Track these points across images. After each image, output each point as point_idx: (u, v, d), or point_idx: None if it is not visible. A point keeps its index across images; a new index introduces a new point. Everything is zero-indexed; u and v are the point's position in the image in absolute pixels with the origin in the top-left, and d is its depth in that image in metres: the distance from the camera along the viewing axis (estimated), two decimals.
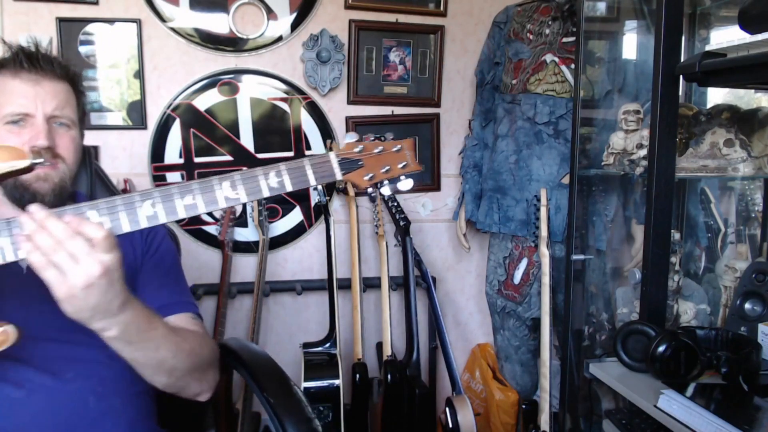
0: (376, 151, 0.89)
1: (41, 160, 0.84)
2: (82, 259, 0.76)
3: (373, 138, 0.91)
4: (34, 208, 0.78)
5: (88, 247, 0.76)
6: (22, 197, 1.00)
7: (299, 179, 0.86)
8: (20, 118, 0.99)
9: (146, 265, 1.12)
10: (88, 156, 1.32)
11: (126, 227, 0.81)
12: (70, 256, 0.76)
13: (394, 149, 0.90)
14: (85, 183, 1.31)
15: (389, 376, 1.99)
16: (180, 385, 1.02)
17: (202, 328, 1.12)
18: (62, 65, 1.05)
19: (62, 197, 1.03)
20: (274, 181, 0.84)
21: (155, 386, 1.00)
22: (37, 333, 0.95)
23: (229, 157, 2.20)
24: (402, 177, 0.92)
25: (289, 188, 0.85)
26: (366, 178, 0.90)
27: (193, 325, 1.09)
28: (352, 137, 0.91)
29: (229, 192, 0.83)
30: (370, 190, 0.91)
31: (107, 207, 0.81)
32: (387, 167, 0.90)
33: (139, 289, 1.08)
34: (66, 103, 1.04)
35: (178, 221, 2.19)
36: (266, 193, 0.84)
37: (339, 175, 0.88)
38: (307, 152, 2.25)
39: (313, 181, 0.86)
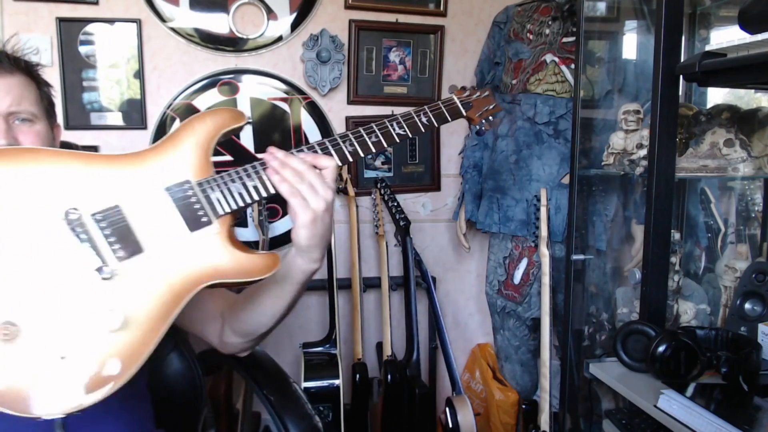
0: (475, 96, 1.13)
1: (250, 119, 1.01)
2: (319, 187, 0.93)
3: (468, 87, 1.16)
4: (274, 149, 0.94)
5: (321, 177, 0.93)
6: None
7: (440, 117, 1.08)
8: None
9: None
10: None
11: (338, 162, 0.99)
12: (310, 186, 0.92)
13: (485, 95, 1.15)
14: None
15: (389, 376, 1.99)
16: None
17: (229, 293, 1.18)
18: (11, 58, 1.01)
19: None
20: (424, 119, 1.06)
21: (257, 333, 1.11)
22: None
23: (229, 157, 2.20)
24: (490, 117, 1.17)
25: (435, 125, 1.08)
26: (477, 115, 1.13)
27: (225, 292, 1.17)
28: (454, 88, 1.15)
29: (399, 130, 1.04)
30: (475, 127, 1.16)
31: (319, 147, 1.00)
32: (486, 107, 1.14)
33: None
34: (22, 97, 1.00)
35: None
36: (422, 129, 1.06)
37: (464, 112, 1.12)
38: None
39: (449, 118, 1.10)
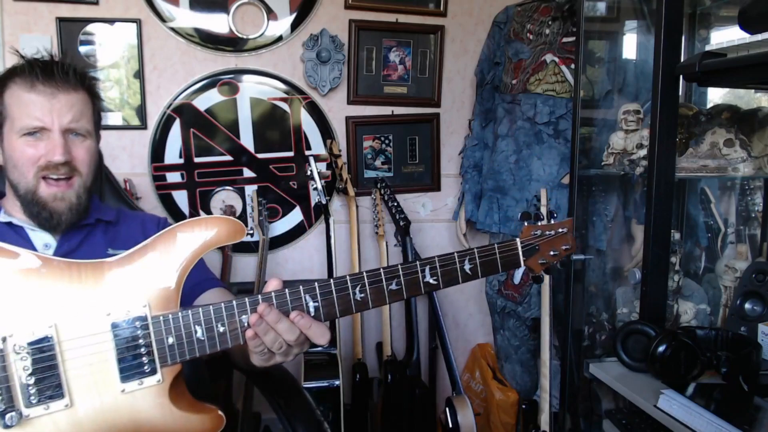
0: (549, 233, 0.91)
1: (252, 233, 0.90)
2: (294, 353, 0.82)
3: (544, 221, 0.95)
4: (266, 309, 0.79)
5: (302, 345, 0.81)
6: (39, 214, 1.03)
7: (489, 267, 0.87)
8: (36, 131, 1.01)
9: None
10: (100, 159, 1.31)
11: (336, 315, 0.82)
12: (285, 352, 0.81)
13: (561, 230, 0.92)
14: (96, 186, 1.29)
15: (389, 376, 1.99)
16: None
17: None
18: (79, 74, 1.05)
19: (79, 212, 1.06)
20: (467, 268, 0.86)
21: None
22: None
23: (229, 157, 2.20)
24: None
25: (479, 276, 0.86)
26: (540, 262, 0.91)
27: (228, 296, 1.15)
28: (527, 220, 0.93)
29: (429, 278, 0.84)
30: (529, 272, 0.93)
31: (321, 293, 0.81)
32: (555, 251, 0.91)
33: None
34: (82, 114, 1.04)
35: (177, 220, 2.18)
36: (461, 281, 0.85)
37: (522, 263, 0.89)
38: (307, 152, 2.25)
39: (500, 269, 0.88)
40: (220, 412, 0.83)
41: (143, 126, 2.13)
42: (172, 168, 2.17)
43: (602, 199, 1.92)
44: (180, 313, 0.79)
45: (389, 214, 2.16)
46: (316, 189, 2.10)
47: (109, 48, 2.07)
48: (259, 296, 0.81)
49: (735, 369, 1.22)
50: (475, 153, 2.22)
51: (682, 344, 1.25)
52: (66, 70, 1.03)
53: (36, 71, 1.01)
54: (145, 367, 0.77)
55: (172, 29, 2.11)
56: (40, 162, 1.01)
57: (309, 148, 2.26)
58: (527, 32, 2.02)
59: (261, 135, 2.22)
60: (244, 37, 2.17)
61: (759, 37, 1.10)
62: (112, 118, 2.11)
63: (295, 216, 2.30)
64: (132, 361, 0.76)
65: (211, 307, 0.79)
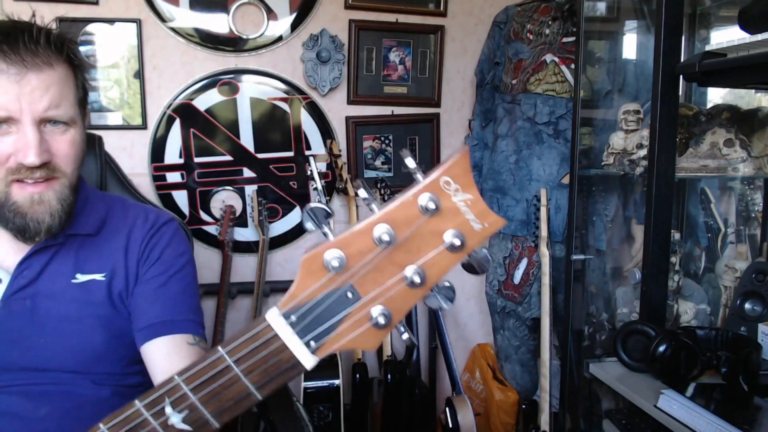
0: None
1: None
2: None
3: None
4: None
5: None
6: (12, 221, 0.84)
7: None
8: (2, 122, 0.79)
9: (143, 277, 0.95)
10: (99, 145, 1.29)
11: None
12: None
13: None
14: (95, 173, 1.28)
15: (389, 376, 1.99)
16: None
17: (197, 353, 0.90)
18: (54, 41, 0.81)
19: (61, 219, 0.87)
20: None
21: None
22: (11, 364, 0.89)
23: (229, 157, 2.20)
24: None
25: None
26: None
27: (186, 352, 0.89)
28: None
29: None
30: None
31: None
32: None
33: (133, 305, 0.93)
34: (62, 97, 0.82)
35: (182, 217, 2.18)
36: None
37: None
38: (307, 152, 2.25)
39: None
40: None
41: (143, 126, 2.13)
42: (172, 168, 2.17)
43: (602, 199, 1.93)
44: None
45: None
46: (316, 189, 2.10)
47: (109, 48, 2.07)
48: None
49: (735, 369, 1.22)
50: (475, 153, 2.22)
51: (682, 344, 1.25)
52: (36, 38, 0.78)
53: None
54: None
55: (172, 29, 2.11)
56: (9, 163, 0.80)
57: (309, 148, 2.26)
58: (527, 32, 2.02)
59: (261, 135, 2.22)
60: (244, 37, 2.17)
61: (759, 37, 1.10)
62: (112, 118, 2.11)
63: (295, 216, 2.30)
64: None
65: None
